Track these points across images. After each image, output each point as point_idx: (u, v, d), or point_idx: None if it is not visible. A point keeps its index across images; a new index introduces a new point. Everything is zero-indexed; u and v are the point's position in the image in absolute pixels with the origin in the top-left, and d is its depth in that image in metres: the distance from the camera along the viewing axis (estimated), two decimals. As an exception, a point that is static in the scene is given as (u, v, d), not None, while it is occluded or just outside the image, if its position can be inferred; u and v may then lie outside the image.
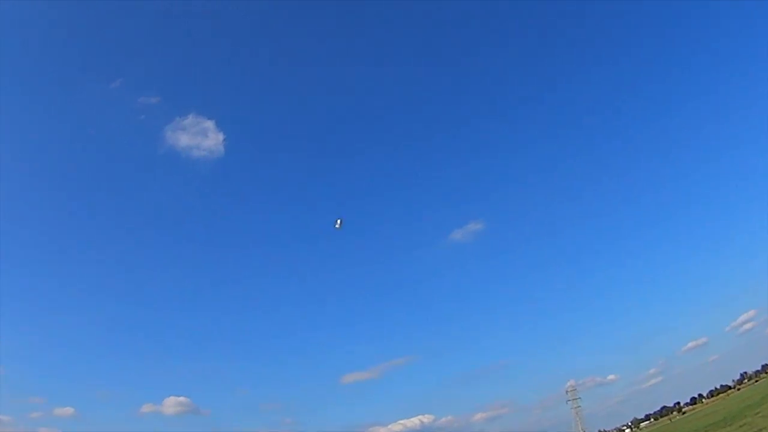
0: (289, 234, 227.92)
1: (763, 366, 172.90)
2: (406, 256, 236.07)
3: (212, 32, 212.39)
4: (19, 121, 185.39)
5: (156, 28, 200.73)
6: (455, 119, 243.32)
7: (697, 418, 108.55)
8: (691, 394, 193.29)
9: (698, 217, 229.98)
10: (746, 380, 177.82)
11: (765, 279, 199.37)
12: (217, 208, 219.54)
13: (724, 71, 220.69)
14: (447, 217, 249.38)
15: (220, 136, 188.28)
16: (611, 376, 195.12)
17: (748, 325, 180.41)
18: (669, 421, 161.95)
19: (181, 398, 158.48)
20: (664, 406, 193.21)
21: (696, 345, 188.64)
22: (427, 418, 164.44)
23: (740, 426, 50.65)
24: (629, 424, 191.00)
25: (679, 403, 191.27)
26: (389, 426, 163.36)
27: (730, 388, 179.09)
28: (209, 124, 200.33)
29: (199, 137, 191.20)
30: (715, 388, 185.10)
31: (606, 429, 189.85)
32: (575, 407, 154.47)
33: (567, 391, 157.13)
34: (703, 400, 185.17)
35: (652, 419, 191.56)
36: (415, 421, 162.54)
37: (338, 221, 55.04)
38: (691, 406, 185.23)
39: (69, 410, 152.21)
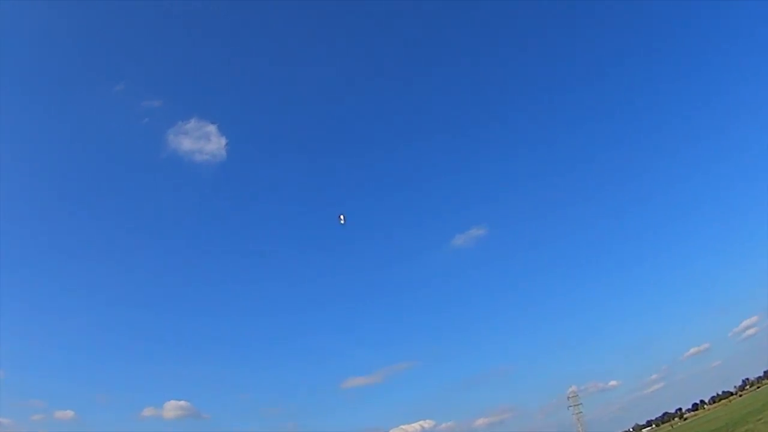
0: (291, 238, 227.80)
1: (765, 372, 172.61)
2: (409, 261, 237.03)
3: (215, 37, 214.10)
4: (23, 123, 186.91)
5: (159, 32, 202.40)
6: (457, 124, 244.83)
7: (698, 425, 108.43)
8: (693, 400, 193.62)
9: (701, 223, 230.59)
10: (748, 386, 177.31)
11: (767, 285, 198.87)
12: (219, 212, 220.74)
13: (726, 75, 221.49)
14: (449, 222, 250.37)
15: (223, 141, 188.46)
16: (613, 382, 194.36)
17: (750, 331, 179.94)
18: (671, 428, 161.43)
19: (182, 402, 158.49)
20: (666, 412, 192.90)
21: (698, 351, 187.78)
22: (428, 424, 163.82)
23: (742, 432, 50.57)
24: (631, 430, 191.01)
25: (680, 409, 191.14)
26: (391, 431, 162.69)
27: (732, 394, 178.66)
28: (211, 129, 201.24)
29: (202, 141, 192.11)
30: (717, 395, 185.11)
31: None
32: (577, 413, 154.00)
33: (569, 397, 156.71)
34: (705, 406, 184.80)
35: (653, 425, 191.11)
36: (416, 426, 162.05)
37: (341, 217, 63.09)
38: (693, 413, 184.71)
39: (69, 413, 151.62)
